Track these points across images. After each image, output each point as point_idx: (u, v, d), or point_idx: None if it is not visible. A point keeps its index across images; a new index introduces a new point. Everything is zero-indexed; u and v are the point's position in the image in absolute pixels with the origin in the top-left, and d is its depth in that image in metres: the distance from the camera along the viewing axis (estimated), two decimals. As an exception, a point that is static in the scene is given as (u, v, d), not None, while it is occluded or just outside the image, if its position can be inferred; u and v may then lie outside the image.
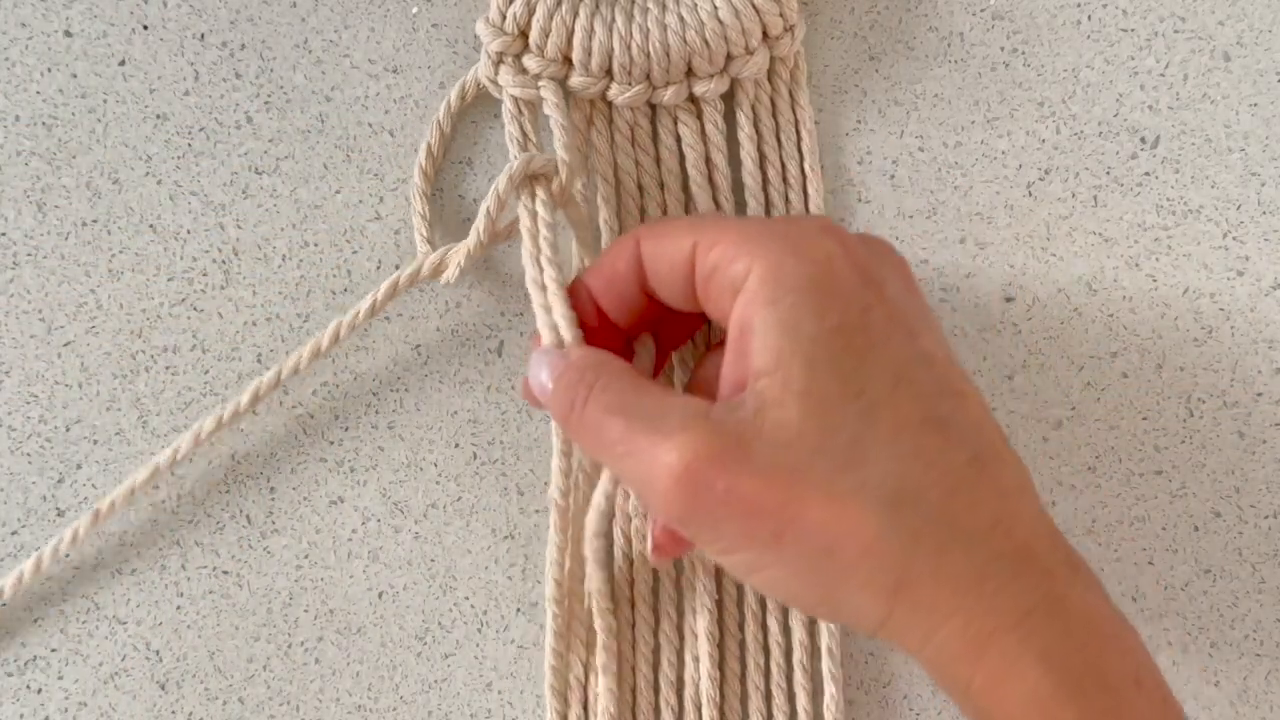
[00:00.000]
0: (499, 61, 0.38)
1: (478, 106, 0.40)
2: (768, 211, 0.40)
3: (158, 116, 0.40)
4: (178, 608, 0.39)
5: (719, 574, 0.40)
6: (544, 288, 0.35)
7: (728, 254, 0.31)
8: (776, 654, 0.40)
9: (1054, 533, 0.30)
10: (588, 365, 0.32)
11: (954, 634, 0.29)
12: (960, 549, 0.29)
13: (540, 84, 0.38)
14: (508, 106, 0.39)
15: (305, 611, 0.40)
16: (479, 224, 0.37)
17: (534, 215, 0.37)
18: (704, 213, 0.35)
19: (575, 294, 0.35)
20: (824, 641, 0.39)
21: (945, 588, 0.29)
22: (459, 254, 0.38)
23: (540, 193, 0.37)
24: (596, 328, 0.35)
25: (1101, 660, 0.29)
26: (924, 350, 0.31)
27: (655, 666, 0.40)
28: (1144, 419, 0.40)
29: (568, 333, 0.34)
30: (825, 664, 0.39)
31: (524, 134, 0.38)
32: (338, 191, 0.40)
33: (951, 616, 0.29)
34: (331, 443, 0.40)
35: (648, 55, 0.38)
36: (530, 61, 0.38)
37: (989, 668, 0.29)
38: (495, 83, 0.39)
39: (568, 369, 0.33)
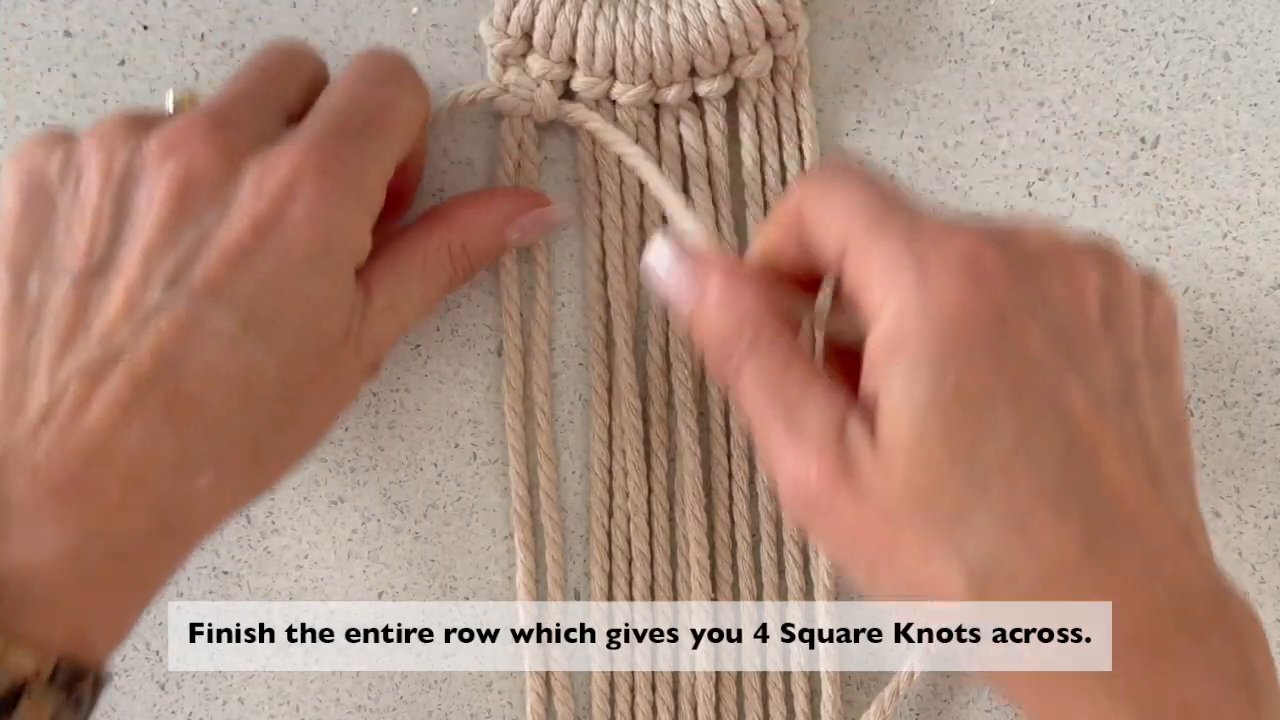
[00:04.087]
0: (505, 64, 0.38)
1: (479, 105, 0.40)
2: (764, 214, 0.40)
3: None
4: (178, 608, 0.39)
5: (715, 574, 0.40)
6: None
7: (868, 280, 0.29)
8: (774, 654, 0.40)
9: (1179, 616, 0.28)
10: (744, 319, 0.32)
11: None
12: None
13: (535, 90, 0.38)
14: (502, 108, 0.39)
15: (305, 611, 0.40)
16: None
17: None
18: (871, 191, 0.31)
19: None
20: (822, 641, 0.39)
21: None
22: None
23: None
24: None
25: None
26: (1062, 403, 0.28)
27: (652, 664, 0.39)
28: (1144, 419, 0.40)
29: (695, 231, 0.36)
30: (823, 664, 0.39)
31: (519, 144, 0.39)
32: (338, 191, 0.40)
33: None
34: (331, 443, 0.40)
35: (651, 55, 0.38)
36: (535, 62, 0.38)
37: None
38: (502, 84, 0.39)
39: (721, 311, 0.32)
